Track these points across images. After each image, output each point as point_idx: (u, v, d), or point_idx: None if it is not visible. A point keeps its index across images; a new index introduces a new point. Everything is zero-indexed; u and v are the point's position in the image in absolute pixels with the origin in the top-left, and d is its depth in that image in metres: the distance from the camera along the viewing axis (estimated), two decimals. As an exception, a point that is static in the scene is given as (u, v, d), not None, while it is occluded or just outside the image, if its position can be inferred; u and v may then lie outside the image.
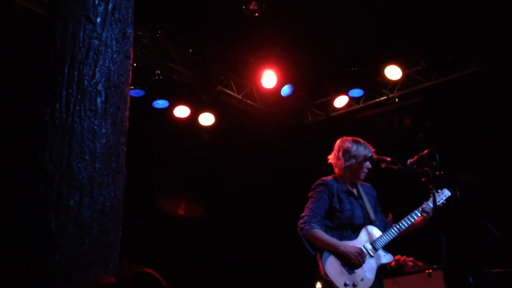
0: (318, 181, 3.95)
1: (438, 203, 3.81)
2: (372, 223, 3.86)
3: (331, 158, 4.05)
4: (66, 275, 1.90)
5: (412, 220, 3.84)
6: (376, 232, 3.83)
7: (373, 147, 4.07)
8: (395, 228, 3.81)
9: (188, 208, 8.22)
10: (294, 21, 6.37)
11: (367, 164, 3.93)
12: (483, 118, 6.70)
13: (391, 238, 3.79)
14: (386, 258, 3.79)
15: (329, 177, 3.99)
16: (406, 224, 3.82)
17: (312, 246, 3.71)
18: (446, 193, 3.79)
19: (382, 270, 3.81)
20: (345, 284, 3.53)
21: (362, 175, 3.94)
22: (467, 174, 3.59)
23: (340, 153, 3.96)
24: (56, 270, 1.89)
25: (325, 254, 3.63)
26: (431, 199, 3.87)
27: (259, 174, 7.88)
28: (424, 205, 3.87)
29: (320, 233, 3.66)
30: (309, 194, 3.92)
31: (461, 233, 3.01)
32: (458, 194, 3.16)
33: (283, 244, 7.42)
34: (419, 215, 3.86)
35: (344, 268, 3.59)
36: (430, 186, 3.22)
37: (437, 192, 3.89)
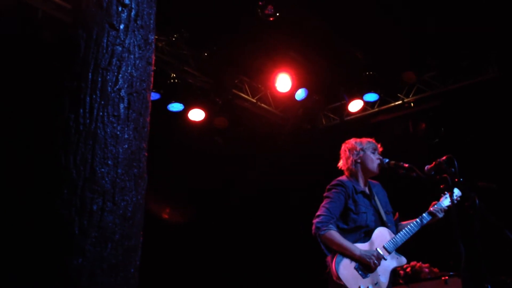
0: (335, 181, 3.96)
1: (449, 204, 3.83)
2: (384, 224, 3.85)
3: (340, 164, 4.11)
4: (89, 279, 1.92)
5: (424, 222, 3.85)
6: (388, 234, 3.81)
7: (388, 152, 4.09)
8: (406, 230, 3.81)
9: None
10: (309, 25, 6.37)
11: (376, 154, 3.95)
12: (499, 124, 6.64)
13: (403, 240, 3.78)
14: (399, 260, 3.77)
15: (344, 177, 4.00)
16: (417, 226, 3.83)
17: (327, 247, 3.69)
18: (457, 192, 3.76)
19: (394, 274, 3.79)
20: None
21: (376, 167, 3.94)
22: (486, 181, 3.56)
23: (347, 152, 4.05)
24: (79, 274, 1.91)
25: (338, 257, 3.60)
26: (442, 199, 3.92)
27: (272, 178, 7.89)
28: (435, 206, 3.88)
29: (337, 236, 3.65)
30: (325, 194, 3.92)
31: (480, 241, 2.98)
32: (477, 201, 3.13)
33: (295, 246, 7.42)
34: (430, 216, 3.86)
35: (358, 272, 3.57)
36: (449, 193, 3.20)
37: (444, 194, 3.92)
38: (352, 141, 4.08)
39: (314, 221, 3.76)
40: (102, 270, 1.96)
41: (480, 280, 3.04)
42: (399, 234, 3.79)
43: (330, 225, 3.68)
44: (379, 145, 4.07)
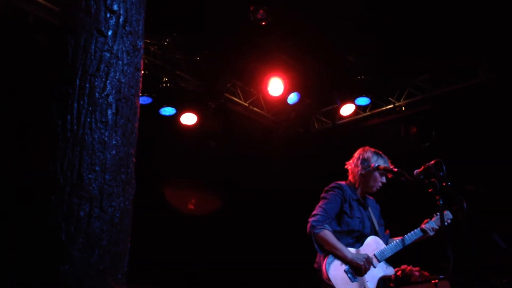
0: (333, 184, 3.99)
1: (431, 234, 3.97)
2: (376, 234, 3.92)
3: (349, 164, 4.12)
4: (77, 285, 1.92)
5: (416, 236, 3.95)
6: (380, 243, 3.88)
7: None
8: (398, 243, 3.89)
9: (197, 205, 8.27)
10: (302, 29, 6.40)
11: (383, 178, 3.97)
12: (490, 128, 6.69)
13: (392, 252, 3.86)
14: (387, 270, 3.84)
15: (344, 182, 4.05)
16: (409, 240, 3.92)
17: (320, 247, 3.71)
18: (449, 215, 3.87)
19: (383, 283, 3.83)
20: None
21: (375, 188, 3.98)
22: (475, 184, 3.59)
23: (359, 160, 4.03)
24: (66, 281, 1.91)
25: (330, 258, 3.64)
26: (434, 218, 4.01)
27: (264, 181, 7.90)
28: (427, 224, 3.98)
29: (331, 236, 3.68)
30: (322, 195, 3.96)
31: (468, 244, 3.00)
32: (465, 205, 3.16)
33: (287, 248, 7.43)
34: (421, 233, 3.97)
35: (348, 274, 3.60)
36: (437, 197, 3.22)
37: (436, 215, 3.98)
38: (370, 153, 4.01)
39: (310, 219, 3.77)
40: (89, 276, 1.96)
41: (469, 283, 3.06)
42: (389, 245, 3.88)
43: (326, 225, 3.71)
44: (392, 167, 3.94)
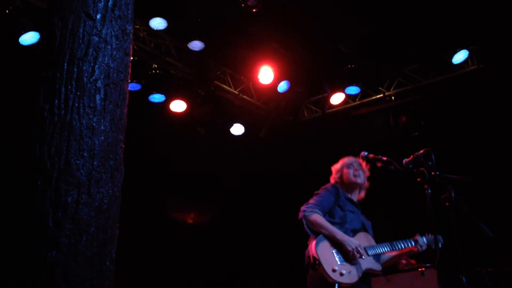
0: (328, 184, 4.09)
1: (420, 249, 4.00)
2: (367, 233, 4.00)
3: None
4: (63, 272, 1.90)
5: (407, 245, 3.98)
6: (370, 239, 3.92)
7: (368, 144, 4.15)
8: (389, 245, 3.92)
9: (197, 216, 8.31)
10: (292, 17, 6.36)
11: (350, 168, 4.11)
12: (479, 117, 6.74)
13: (383, 251, 3.88)
14: (375, 265, 3.84)
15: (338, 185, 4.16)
16: (400, 246, 3.95)
17: (311, 229, 3.71)
18: (440, 240, 3.88)
19: (367, 276, 3.81)
20: (333, 270, 3.51)
21: (353, 178, 4.08)
22: (462, 174, 3.60)
23: (332, 177, 4.23)
24: (53, 267, 1.89)
25: (321, 237, 3.65)
26: (425, 236, 4.04)
27: (254, 170, 7.89)
28: (419, 237, 4.01)
29: (322, 219, 3.71)
30: (315, 192, 4.01)
31: (455, 233, 3.03)
32: (453, 194, 3.17)
33: (276, 239, 7.46)
34: (414, 244, 3.99)
35: (335, 256, 3.60)
36: (426, 186, 3.24)
37: (427, 235, 4.05)
38: (332, 170, 4.24)
39: (302, 207, 3.81)
40: (77, 262, 1.94)
41: (455, 272, 3.09)
42: (379, 244, 3.90)
43: (316, 209, 3.74)
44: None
